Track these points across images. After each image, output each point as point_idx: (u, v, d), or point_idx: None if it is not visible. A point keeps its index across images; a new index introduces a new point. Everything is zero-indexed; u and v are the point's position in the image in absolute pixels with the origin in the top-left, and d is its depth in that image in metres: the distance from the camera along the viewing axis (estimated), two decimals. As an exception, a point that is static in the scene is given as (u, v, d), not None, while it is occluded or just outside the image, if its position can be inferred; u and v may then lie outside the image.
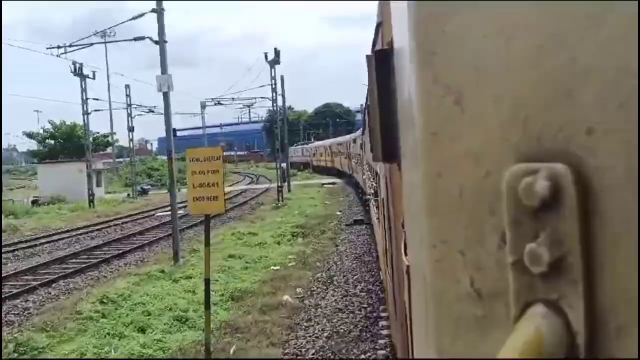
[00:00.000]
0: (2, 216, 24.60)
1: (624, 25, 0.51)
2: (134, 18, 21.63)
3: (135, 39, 22.19)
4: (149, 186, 45.94)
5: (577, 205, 0.53)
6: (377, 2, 2.64)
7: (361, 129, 17.63)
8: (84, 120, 32.83)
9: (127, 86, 37.29)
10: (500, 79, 0.60)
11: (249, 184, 56.00)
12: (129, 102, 37.42)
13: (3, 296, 12.42)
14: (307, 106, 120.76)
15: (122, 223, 26.90)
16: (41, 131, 54.71)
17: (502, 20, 0.60)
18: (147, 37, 17.43)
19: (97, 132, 50.99)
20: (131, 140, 39.92)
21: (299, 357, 8.56)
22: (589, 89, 0.53)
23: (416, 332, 1.05)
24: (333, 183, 45.08)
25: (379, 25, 2.63)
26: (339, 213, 26.24)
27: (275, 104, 32.96)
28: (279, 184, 32.32)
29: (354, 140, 26.79)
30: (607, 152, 0.52)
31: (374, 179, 8.14)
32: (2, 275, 14.26)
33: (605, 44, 0.52)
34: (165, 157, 20.96)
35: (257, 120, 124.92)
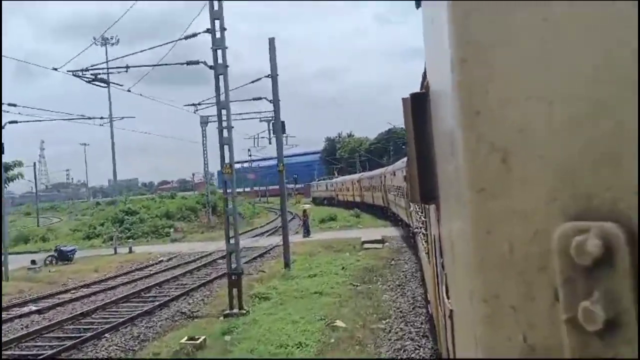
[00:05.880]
0: None
1: None
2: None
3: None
4: (74, 247, 28.40)
5: (630, 264, 0.54)
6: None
7: (405, 159, 13.85)
8: None
9: None
10: (546, 141, 0.62)
11: (268, 232, 37.69)
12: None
13: None
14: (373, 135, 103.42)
15: None
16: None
17: (544, 85, 0.63)
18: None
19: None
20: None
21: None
22: (636, 153, 0.56)
23: None
24: (381, 242, 25.71)
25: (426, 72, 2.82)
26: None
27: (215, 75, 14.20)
28: (230, 270, 13.53)
29: (394, 173, 25.84)
30: None
31: (422, 212, 7.56)
32: None
33: None
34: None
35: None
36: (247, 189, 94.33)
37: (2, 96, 20.47)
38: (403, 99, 1.61)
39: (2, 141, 21.18)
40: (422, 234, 8.09)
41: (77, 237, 38.60)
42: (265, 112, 34.40)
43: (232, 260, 14.47)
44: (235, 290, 13.93)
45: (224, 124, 14.66)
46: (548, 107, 0.62)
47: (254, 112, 35.59)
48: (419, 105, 1.48)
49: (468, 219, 0.70)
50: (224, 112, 14.73)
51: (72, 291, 19.12)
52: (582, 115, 0.59)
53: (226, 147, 14.67)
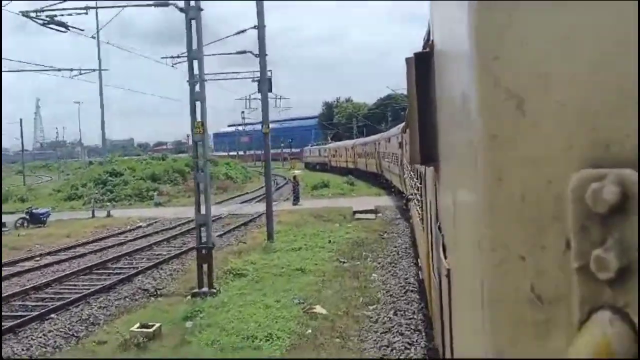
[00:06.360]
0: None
1: None
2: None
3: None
4: (49, 209, 26.82)
5: None
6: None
7: (401, 126, 16.19)
8: None
9: None
10: (565, 85, 0.61)
11: (258, 197, 35.79)
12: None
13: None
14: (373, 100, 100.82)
15: None
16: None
17: (566, 27, 0.60)
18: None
19: None
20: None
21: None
22: None
23: (465, 335, 1.01)
24: (373, 212, 24.15)
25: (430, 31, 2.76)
26: None
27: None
28: (199, 245, 11.93)
29: (388, 140, 25.46)
30: None
31: (417, 178, 7.56)
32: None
33: None
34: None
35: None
36: (241, 153, 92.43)
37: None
38: (407, 58, 1.67)
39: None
40: (417, 199, 7.89)
41: (59, 198, 36.93)
42: (258, 72, 32.21)
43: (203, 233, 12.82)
44: (205, 266, 12.36)
45: (196, 77, 12.78)
46: (569, 51, 0.59)
47: (247, 72, 33.19)
48: (422, 64, 1.54)
49: (480, 166, 0.67)
50: (196, 63, 12.85)
51: (36, 259, 17.59)
52: (604, 59, 0.57)
53: (198, 104, 12.85)
